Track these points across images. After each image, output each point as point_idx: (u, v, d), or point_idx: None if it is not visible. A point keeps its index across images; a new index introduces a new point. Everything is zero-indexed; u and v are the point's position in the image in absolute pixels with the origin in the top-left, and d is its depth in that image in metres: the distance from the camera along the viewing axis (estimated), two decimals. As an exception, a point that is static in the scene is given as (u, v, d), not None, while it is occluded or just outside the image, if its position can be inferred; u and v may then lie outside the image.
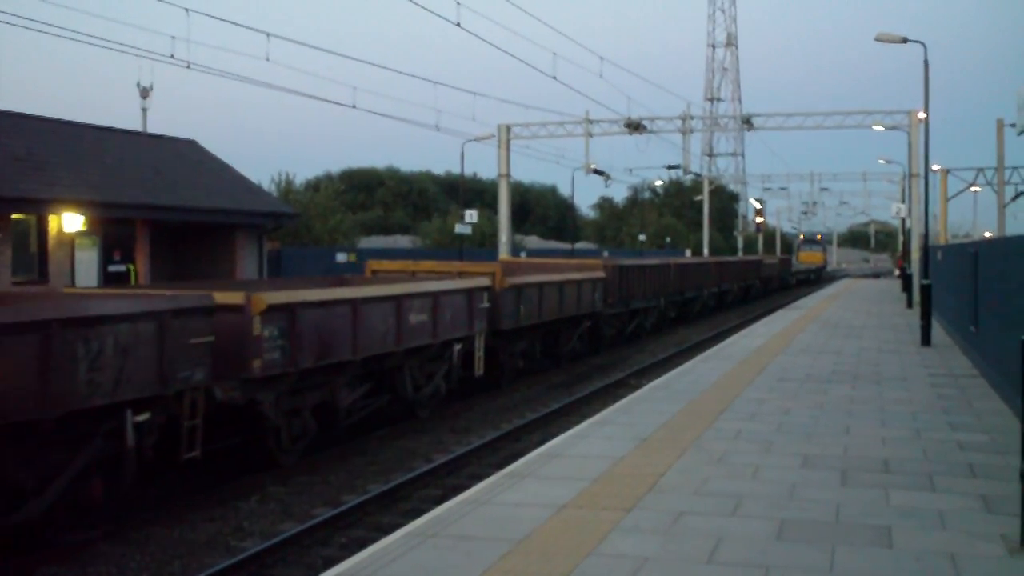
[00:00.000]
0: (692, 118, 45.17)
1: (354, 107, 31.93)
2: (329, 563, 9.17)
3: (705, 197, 75.69)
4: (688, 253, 78.11)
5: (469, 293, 18.12)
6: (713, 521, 8.11)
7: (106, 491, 10.23)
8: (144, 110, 36.68)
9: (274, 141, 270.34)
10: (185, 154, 33.09)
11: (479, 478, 12.00)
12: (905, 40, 25.56)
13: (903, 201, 51.09)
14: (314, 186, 69.09)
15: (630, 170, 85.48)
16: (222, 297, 11.89)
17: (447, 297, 17.16)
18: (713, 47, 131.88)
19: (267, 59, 23.90)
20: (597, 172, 48.80)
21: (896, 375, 17.22)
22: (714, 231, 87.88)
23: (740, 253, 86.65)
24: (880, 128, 42.88)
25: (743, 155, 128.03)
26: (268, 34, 23.56)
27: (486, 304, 18.91)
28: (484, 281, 19.20)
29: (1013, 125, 24.12)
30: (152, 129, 34.94)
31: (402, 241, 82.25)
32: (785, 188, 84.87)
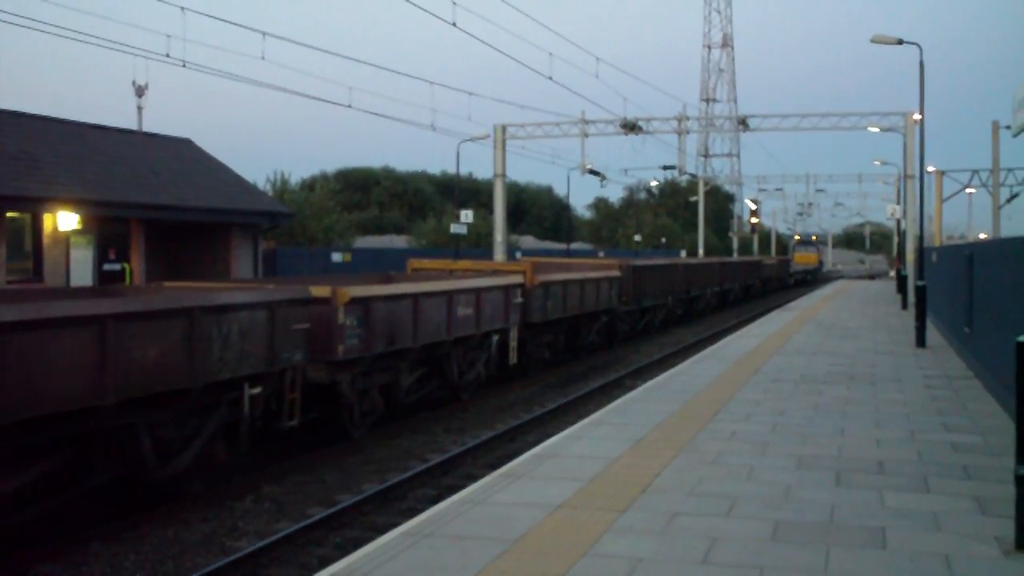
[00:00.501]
0: (688, 119, 45.19)
1: (350, 106, 32.00)
2: (324, 563, 9.16)
3: (700, 198, 75.76)
4: (683, 254, 78.26)
5: (506, 289, 20.12)
6: (708, 522, 8.12)
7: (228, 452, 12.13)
8: (140, 109, 36.65)
9: (270, 140, 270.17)
10: (181, 153, 33.06)
11: (474, 478, 12.01)
12: (901, 42, 25.61)
13: (898, 202, 51.21)
14: (309, 185, 69.08)
15: (626, 171, 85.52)
16: (314, 290, 13.74)
17: (488, 293, 19.12)
18: (709, 48, 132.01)
19: (263, 58, 23.89)
20: (593, 172, 48.81)
21: (891, 376, 17.24)
22: (709, 232, 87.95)
23: (735, 254, 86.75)
24: (875, 130, 42.94)
25: (739, 156, 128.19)
26: (264, 33, 23.56)
27: (519, 299, 20.86)
28: (518, 279, 21.09)
29: (1008, 127, 24.14)
30: (147, 128, 34.93)
31: (397, 241, 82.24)
32: (781, 189, 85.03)
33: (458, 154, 47.96)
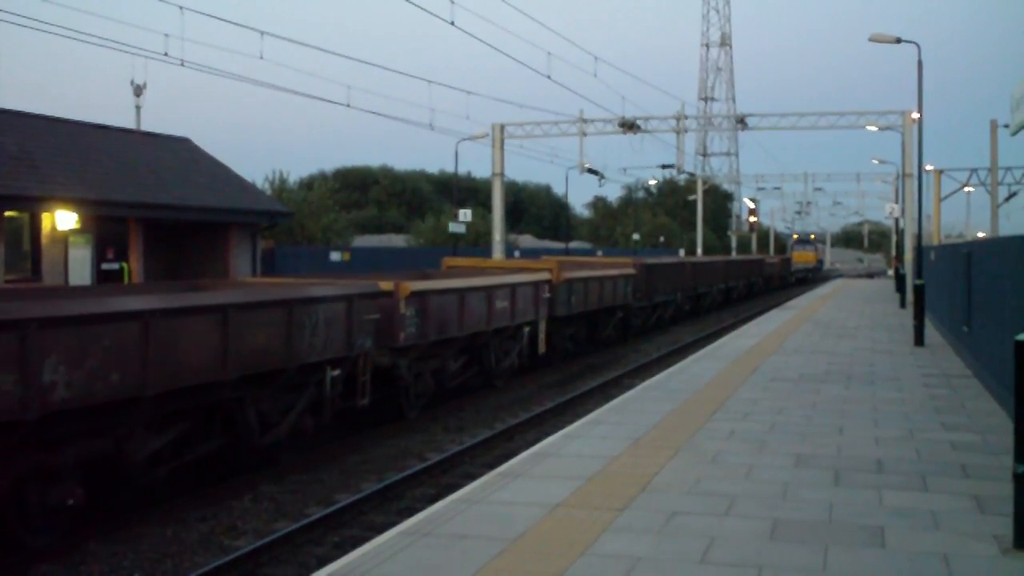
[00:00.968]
0: (686, 118, 45.21)
1: (348, 106, 31.96)
2: (323, 562, 9.16)
3: (699, 197, 75.77)
4: (682, 253, 78.30)
5: (536, 286, 21.92)
6: (706, 521, 8.11)
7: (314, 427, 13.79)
8: (138, 108, 36.67)
9: (268, 139, 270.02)
10: (179, 152, 33.03)
11: (473, 477, 12.01)
12: (899, 40, 25.60)
13: (897, 201, 51.23)
14: (308, 184, 69.06)
15: (624, 169, 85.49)
16: (380, 284, 15.38)
17: (521, 288, 20.95)
18: (707, 47, 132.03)
19: (261, 57, 23.90)
20: (591, 171, 48.82)
21: (889, 375, 17.24)
22: (708, 231, 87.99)
23: (734, 253, 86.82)
24: (874, 128, 42.95)
25: (737, 155, 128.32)
26: (262, 32, 23.56)
27: (547, 295, 22.70)
28: (546, 276, 22.95)
29: (1006, 126, 24.14)
30: (146, 127, 34.91)
31: (396, 240, 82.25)
32: (779, 188, 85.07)
33: (456, 153, 48.12)
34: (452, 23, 25.42)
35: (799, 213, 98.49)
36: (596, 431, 12.00)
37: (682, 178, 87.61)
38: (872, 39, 26.13)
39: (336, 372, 13.85)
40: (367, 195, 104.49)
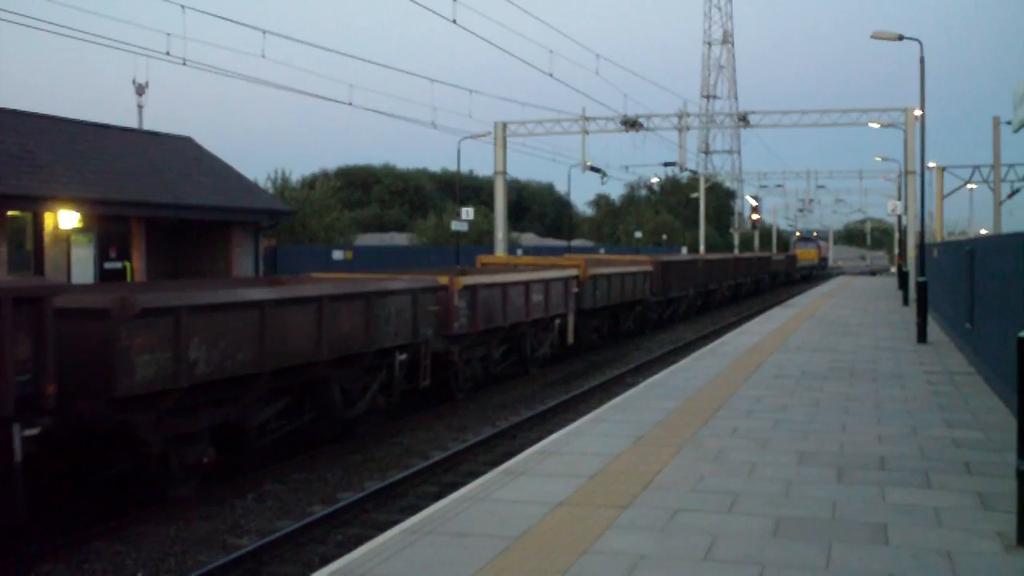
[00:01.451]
0: (688, 115, 45.17)
1: (350, 104, 31.99)
2: (326, 560, 9.17)
3: (701, 194, 75.71)
4: (684, 250, 78.29)
5: (566, 281, 23.65)
6: (709, 518, 8.11)
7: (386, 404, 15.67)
8: (140, 107, 36.66)
9: (270, 138, 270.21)
10: (181, 151, 33.04)
11: (476, 475, 12.01)
12: (901, 38, 25.58)
13: (899, 198, 51.14)
14: (310, 183, 68.98)
15: (626, 167, 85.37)
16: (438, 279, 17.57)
17: (554, 283, 22.78)
18: (709, 44, 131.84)
19: (263, 56, 23.89)
20: (594, 169, 48.80)
21: (892, 372, 17.23)
22: (710, 228, 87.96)
23: (736, 250, 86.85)
24: (876, 126, 42.89)
25: (739, 152, 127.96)
26: (264, 31, 23.56)
27: (576, 289, 24.48)
28: (575, 272, 24.67)
29: (1009, 123, 24.12)
30: (148, 126, 34.91)
31: (398, 238, 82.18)
32: (781, 185, 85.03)
33: (459, 151, 47.92)
34: (454, 21, 25.41)
35: (801, 211, 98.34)
36: (599, 429, 12.00)
37: (684, 176, 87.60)
38: (874, 36, 26.10)
39: (403, 356, 15.82)
40: (369, 194, 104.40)
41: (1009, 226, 66.06)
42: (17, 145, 25.66)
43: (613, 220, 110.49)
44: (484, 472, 11.56)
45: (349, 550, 8.74)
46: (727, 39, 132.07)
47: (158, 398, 10.74)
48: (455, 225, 47.15)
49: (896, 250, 65.18)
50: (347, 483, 12.66)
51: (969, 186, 60.97)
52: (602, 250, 73.07)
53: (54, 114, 29.67)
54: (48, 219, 25.16)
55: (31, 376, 9.07)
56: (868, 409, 13.34)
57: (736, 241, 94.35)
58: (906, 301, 36.51)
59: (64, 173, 25.90)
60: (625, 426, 12.11)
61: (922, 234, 28.41)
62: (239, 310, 11.84)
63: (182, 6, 20.95)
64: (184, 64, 22.03)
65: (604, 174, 53.11)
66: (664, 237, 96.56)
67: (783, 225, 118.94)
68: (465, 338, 18.39)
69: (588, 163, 46.15)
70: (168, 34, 21.97)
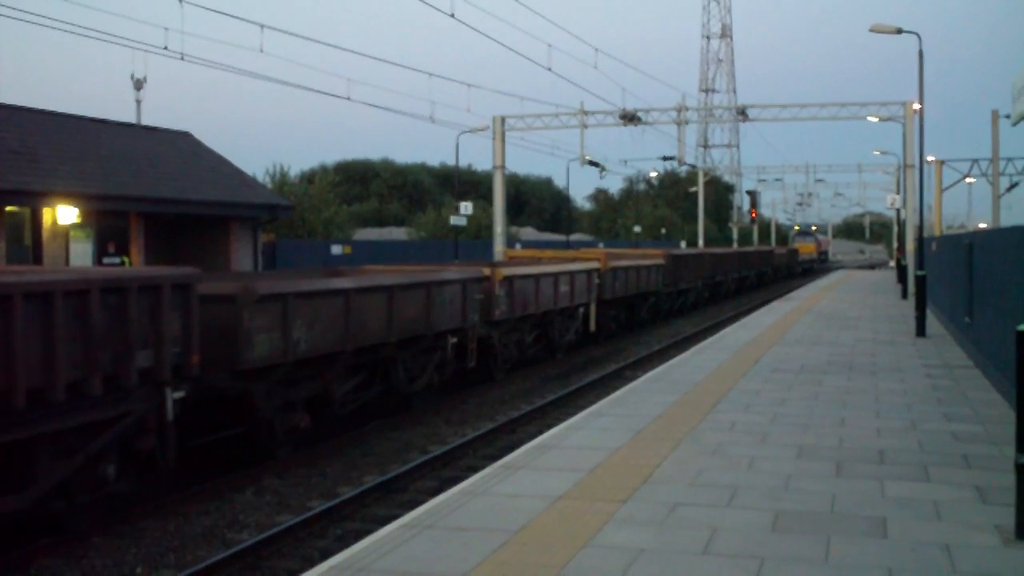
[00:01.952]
0: (687, 109, 45.09)
1: (349, 99, 31.89)
2: (325, 555, 9.18)
3: (700, 188, 75.67)
4: (683, 244, 78.31)
5: (589, 273, 25.57)
6: (708, 512, 8.12)
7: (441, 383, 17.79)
8: (138, 102, 36.63)
9: (269, 133, 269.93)
10: (179, 146, 33.01)
11: (475, 470, 12.02)
12: (900, 31, 25.55)
13: (898, 192, 51.15)
14: (309, 178, 68.98)
15: (625, 161, 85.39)
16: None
17: (579, 275, 24.72)
18: (708, 38, 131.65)
19: (261, 50, 23.84)
20: (592, 164, 48.72)
21: (891, 366, 17.23)
22: (709, 222, 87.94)
23: (735, 244, 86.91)
24: (875, 120, 42.82)
25: (738, 146, 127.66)
26: (262, 25, 23.51)
27: (597, 280, 26.33)
28: (596, 264, 26.68)
29: (1008, 116, 24.11)
30: (146, 121, 34.87)
31: (397, 233, 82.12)
32: (780, 179, 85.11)
33: (457, 146, 48.00)
34: (452, 15, 25.36)
35: (800, 204, 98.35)
36: (598, 423, 12.00)
37: (683, 170, 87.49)
38: (873, 30, 26.08)
39: (454, 340, 17.73)
40: (368, 188, 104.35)
41: (1008, 220, 66.16)
42: (15, 140, 25.64)
43: (612, 214, 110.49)
44: (483, 466, 11.57)
45: (348, 544, 8.74)
46: (726, 33, 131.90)
47: (270, 371, 12.68)
48: (454, 219, 47.16)
49: (895, 244, 65.18)
50: (346, 477, 12.67)
51: (968, 180, 60.88)
52: (601, 244, 73.08)
53: (52, 109, 29.64)
54: (47, 214, 25.14)
55: (180, 348, 10.79)
56: (867, 403, 13.34)
57: (735, 235, 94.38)
58: (905, 295, 36.51)
59: (62, 168, 25.88)
60: (624, 420, 12.12)
61: (921, 228, 28.43)
62: (330, 297, 13.77)
63: (180, 0, 20.91)
64: (182, 59, 22.00)
65: (603, 168, 53.02)
66: (663, 231, 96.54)
67: (782, 219, 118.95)
68: (504, 324, 20.36)
69: (587, 157, 46.07)
70: (166, 29, 21.96)
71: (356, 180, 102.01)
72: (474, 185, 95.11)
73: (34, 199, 24.29)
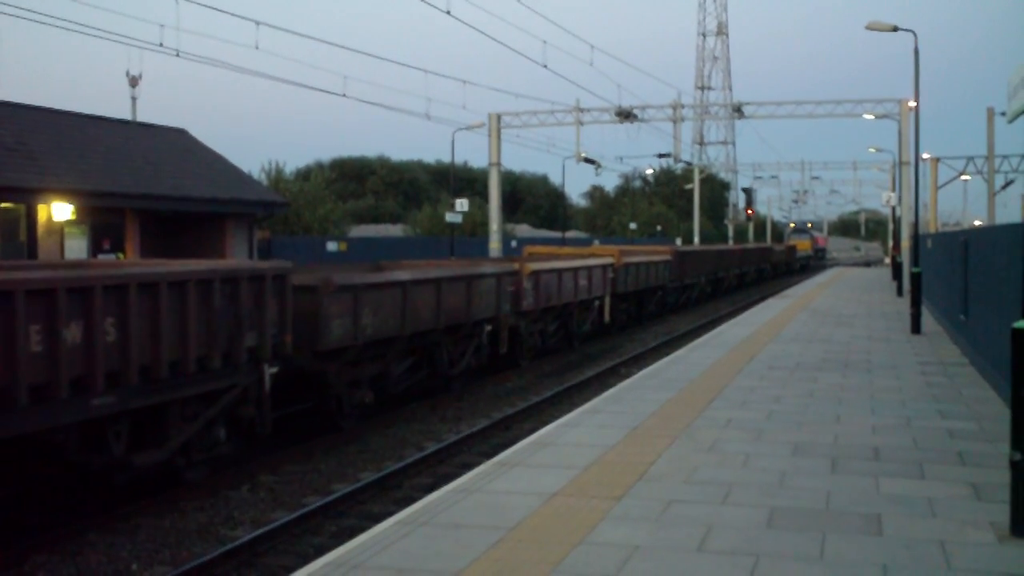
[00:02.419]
0: (683, 106, 45.14)
1: (344, 96, 31.92)
2: (320, 551, 9.16)
3: (696, 185, 75.70)
4: (679, 241, 78.34)
5: (604, 268, 27.15)
6: (703, 509, 8.12)
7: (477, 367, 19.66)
8: (133, 99, 36.50)
9: (264, 130, 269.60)
10: (175, 143, 32.97)
11: (470, 467, 12.00)
12: (895, 29, 25.58)
13: (893, 189, 51.20)
14: (304, 175, 68.95)
15: (621, 159, 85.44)
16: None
17: (596, 270, 26.31)
18: (704, 35, 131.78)
19: (256, 47, 23.84)
20: (588, 161, 48.79)
21: (886, 363, 17.25)
22: (705, 219, 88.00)
23: (731, 241, 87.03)
24: (870, 117, 42.90)
25: (734, 144, 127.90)
26: (257, 22, 23.51)
27: (612, 275, 27.93)
28: (611, 260, 28.18)
29: (1003, 114, 24.13)
30: (142, 118, 34.79)
31: (392, 230, 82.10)
32: (776, 176, 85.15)
33: (453, 143, 48.12)
34: (448, 12, 25.37)
35: (796, 202, 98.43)
36: (594, 420, 12.00)
37: (679, 167, 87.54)
38: (869, 27, 26.10)
39: (489, 328, 19.46)
40: (364, 185, 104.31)
41: (1003, 217, 66.18)
42: (11, 137, 25.59)
43: (607, 211, 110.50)
44: (478, 463, 11.55)
45: (343, 541, 8.73)
46: (722, 30, 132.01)
47: (342, 352, 14.33)
48: (449, 216, 47.15)
49: (891, 241, 65.26)
50: (341, 474, 12.66)
51: (963, 177, 61.03)
52: (596, 242, 73.10)
53: (48, 106, 29.59)
54: (42, 211, 25.10)
55: (276, 330, 12.53)
56: (862, 400, 13.35)
57: (730, 232, 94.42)
58: (900, 292, 36.54)
59: (58, 165, 25.84)
60: (619, 417, 12.12)
61: (916, 225, 28.49)
62: (391, 288, 15.50)
63: (175, -3, 20.87)
64: (177, 55, 22.02)
65: (598, 165, 53.11)
66: (659, 228, 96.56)
67: (778, 216, 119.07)
68: (530, 314, 21.97)
69: (582, 154, 46.11)
70: (161, 25, 21.97)
71: (352, 177, 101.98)
72: (470, 182, 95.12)
73: (29, 195, 24.26)
